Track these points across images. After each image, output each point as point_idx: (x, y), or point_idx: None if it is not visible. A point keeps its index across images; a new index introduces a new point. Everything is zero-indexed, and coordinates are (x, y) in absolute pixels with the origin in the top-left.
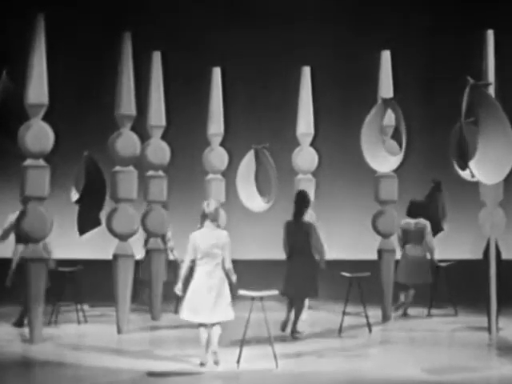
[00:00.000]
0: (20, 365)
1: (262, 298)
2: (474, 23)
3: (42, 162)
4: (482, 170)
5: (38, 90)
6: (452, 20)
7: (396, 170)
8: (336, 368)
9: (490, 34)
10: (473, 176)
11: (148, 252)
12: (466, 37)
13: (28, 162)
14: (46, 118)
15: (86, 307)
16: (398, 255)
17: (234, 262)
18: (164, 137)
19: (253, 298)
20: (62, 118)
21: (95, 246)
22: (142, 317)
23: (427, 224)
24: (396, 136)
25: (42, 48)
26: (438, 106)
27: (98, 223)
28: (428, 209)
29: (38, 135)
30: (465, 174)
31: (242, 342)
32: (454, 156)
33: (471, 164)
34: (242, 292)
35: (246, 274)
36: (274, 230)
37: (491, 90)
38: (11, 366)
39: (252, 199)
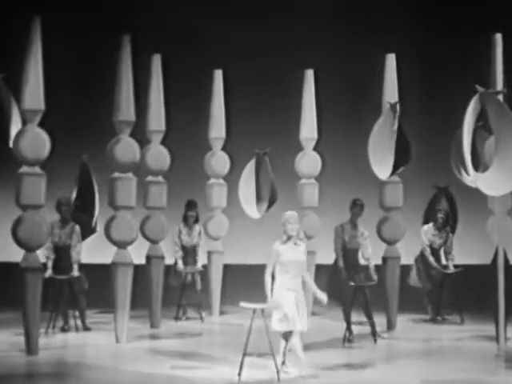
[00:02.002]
0: (16, 377)
1: (263, 311)
2: (482, 27)
3: (37, 169)
4: (489, 180)
5: (33, 95)
6: (459, 23)
7: (398, 175)
8: (338, 381)
9: (499, 37)
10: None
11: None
12: (474, 40)
13: (23, 169)
14: (42, 124)
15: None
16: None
17: (237, 266)
18: (164, 142)
19: (254, 311)
20: (59, 124)
21: (96, 250)
22: (141, 325)
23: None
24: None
25: (38, 52)
26: (444, 109)
27: (92, 231)
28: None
29: (34, 142)
30: (468, 180)
31: (244, 353)
32: (455, 163)
33: (474, 174)
34: (243, 304)
35: (248, 279)
36: (276, 235)
37: (500, 96)
38: (8, 378)
39: (250, 205)
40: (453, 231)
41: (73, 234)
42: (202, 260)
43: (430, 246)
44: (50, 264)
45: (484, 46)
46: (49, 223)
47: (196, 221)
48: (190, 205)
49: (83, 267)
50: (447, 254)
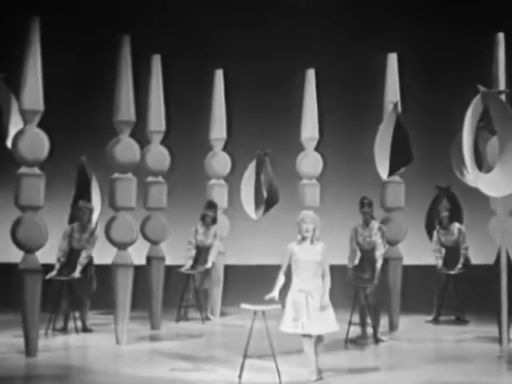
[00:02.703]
0: (14, 379)
1: (264, 313)
2: (484, 26)
3: (36, 170)
4: (491, 181)
5: (32, 95)
6: (461, 23)
7: (400, 175)
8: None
9: (501, 37)
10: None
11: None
12: (476, 40)
13: (22, 169)
14: (41, 125)
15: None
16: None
17: (238, 267)
18: (164, 142)
19: (255, 313)
20: (58, 125)
21: (96, 250)
22: (142, 326)
23: None
24: None
25: (37, 52)
26: (446, 109)
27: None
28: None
29: (33, 142)
30: (470, 181)
31: (244, 356)
32: (456, 164)
33: (474, 174)
34: (244, 306)
35: (249, 280)
36: (278, 235)
37: (502, 96)
38: (6, 380)
39: (250, 206)
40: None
41: (91, 239)
42: (211, 260)
43: (445, 247)
44: (57, 266)
45: (486, 46)
46: (68, 227)
47: (214, 221)
48: (209, 205)
49: (95, 268)
50: (460, 248)
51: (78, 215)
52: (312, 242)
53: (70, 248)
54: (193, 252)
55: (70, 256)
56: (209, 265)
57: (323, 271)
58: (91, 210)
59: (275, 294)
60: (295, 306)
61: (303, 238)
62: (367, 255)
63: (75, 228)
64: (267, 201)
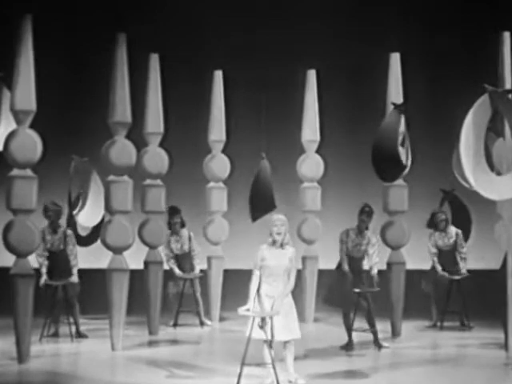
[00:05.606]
0: None
1: (263, 319)
2: (489, 25)
3: (29, 172)
4: (493, 184)
5: (25, 95)
6: (465, 22)
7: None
8: None
9: (507, 35)
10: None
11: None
12: (481, 39)
13: (14, 172)
14: (33, 126)
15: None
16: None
17: (238, 271)
18: (162, 144)
19: (253, 319)
20: (52, 126)
21: (92, 254)
22: (140, 331)
23: None
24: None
25: (29, 51)
26: (450, 110)
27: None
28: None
29: (25, 144)
30: (470, 185)
31: (242, 363)
32: (457, 168)
33: (472, 177)
34: (241, 312)
35: (248, 285)
36: None
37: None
38: None
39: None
40: (465, 234)
41: (66, 239)
42: (199, 265)
43: (441, 250)
44: (44, 270)
45: (491, 45)
46: (41, 230)
47: (182, 226)
48: (173, 212)
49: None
50: (459, 252)
51: (46, 216)
52: (282, 245)
53: (49, 251)
54: (172, 261)
55: (54, 259)
56: (197, 272)
57: (289, 275)
58: (58, 211)
59: (251, 305)
60: (261, 312)
61: (274, 242)
62: (353, 262)
63: (46, 230)
64: (262, 206)
